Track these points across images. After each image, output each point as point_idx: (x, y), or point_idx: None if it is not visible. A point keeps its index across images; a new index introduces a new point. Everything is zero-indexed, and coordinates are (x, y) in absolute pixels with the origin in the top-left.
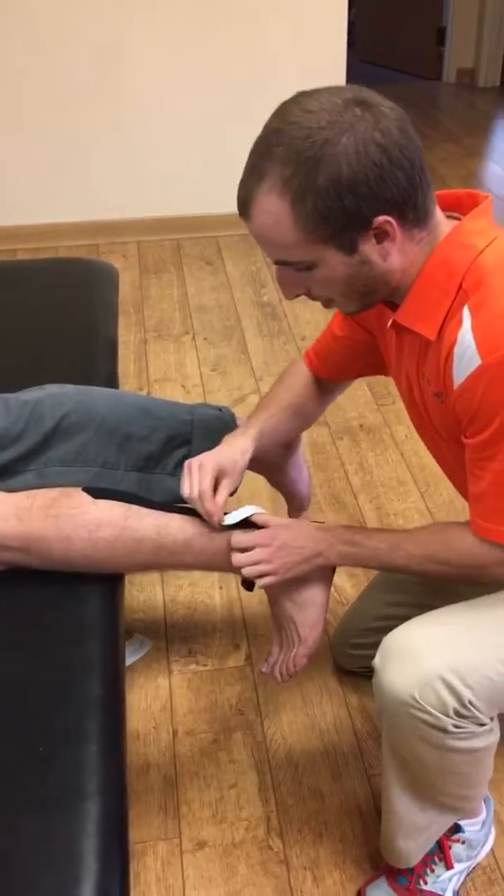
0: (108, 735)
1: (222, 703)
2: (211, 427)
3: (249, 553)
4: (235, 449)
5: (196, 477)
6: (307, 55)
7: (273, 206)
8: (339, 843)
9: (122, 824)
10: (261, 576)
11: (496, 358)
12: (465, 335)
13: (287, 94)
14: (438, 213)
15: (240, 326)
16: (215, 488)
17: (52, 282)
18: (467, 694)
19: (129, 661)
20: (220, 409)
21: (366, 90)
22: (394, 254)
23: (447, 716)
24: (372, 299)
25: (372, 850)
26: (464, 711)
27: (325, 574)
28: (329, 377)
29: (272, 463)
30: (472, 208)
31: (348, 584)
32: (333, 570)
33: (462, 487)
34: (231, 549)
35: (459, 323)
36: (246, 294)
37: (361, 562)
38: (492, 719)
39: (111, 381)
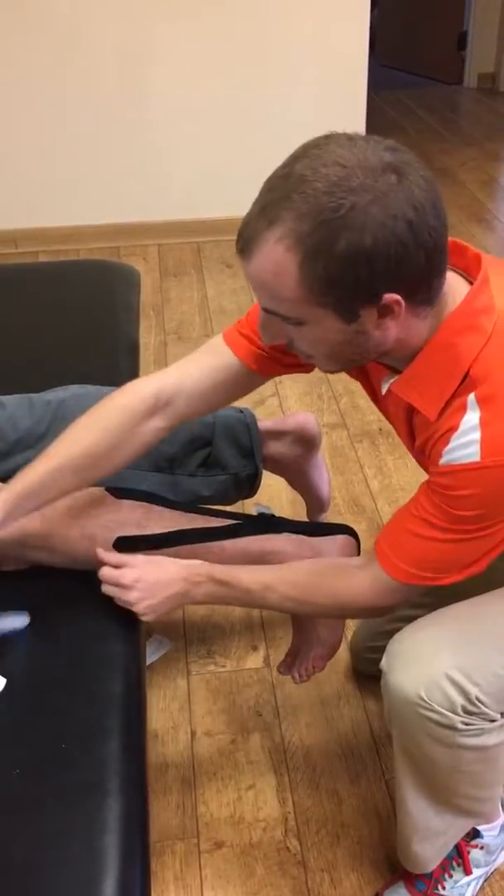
0: (129, 733)
1: (240, 705)
2: (232, 429)
3: (111, 572)
4: None
5: None
6: (329, 59)
7: (279, 258)
8: (357, 846)
9: (143, 821)
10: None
11: (495, 461)
12: (470, 428)
13: (307, 99)
14: (445, 285)
15: None
16: None
17: (75, 284)
18: (474, 691)
19: (148, 660)
20: (241, 411)
21: (404, 151)
22: (392, 329)
23: (455, 713)
24: (356, 364)
25: (390, 853)
26: (472, 708)
27: None
28: (262, 370)
29: (292, 465)
30: (460, 259)
31: None
32: None
33: None
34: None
35: (463, 410)
36: None
37: (231, 601)
38: (502, 715)
39: None
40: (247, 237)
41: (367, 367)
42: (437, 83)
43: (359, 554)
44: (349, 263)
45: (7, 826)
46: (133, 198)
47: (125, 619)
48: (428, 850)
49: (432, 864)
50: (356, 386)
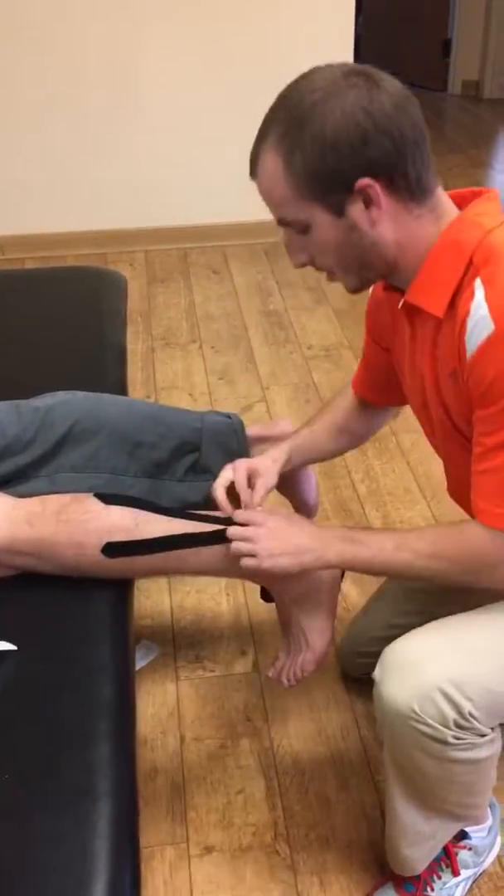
0: (118, 737)
1: (229, 710)
2: (220, 434)
3: (241, 528)
4: (267, 456)
5: (228, 474)
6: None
7: (270, 164)
8: (346, 849)
9: (132, 825)
10: (246, 555)
11: None
12: (479, 304)
13: None
14: (443, 197)
15: (246, 335)
16: (251, 487)
17: (62, 290)
18: (467, 706)
19: (136, 666)
20: (229, 417)
21: (380, 72)
22: (384, 223)
23: (447, 728)
24: (369, 274)
25: (379, 856)
26: (464, 723)
27: (333, 580)
28: (371, 399)
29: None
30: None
31: (355, 592)
32: (342, 577)
33: (452, 485)
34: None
35: (472, 295)
36: (252, 303)
37: (361, 562)
38: (493, 729)
39: (120, 387)
40: (251, 159)
41: (397, 339)
42: (421, 90)
43: None
44: (319, 153)
45: None
46: (120, 204)
47: (113, 624)
48: (417, 854)
49: (421, 866)
50: None
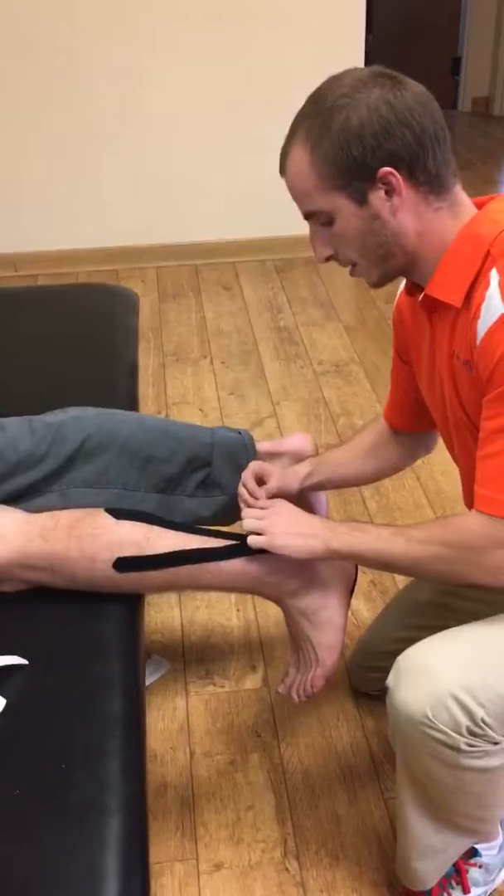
0: (129, 752)
1: (239, 725)
2: (231, 450)
3: (254, 506)
4: (291, 469)
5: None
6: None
7: (298, 156)
8: (356, 867)
9: (143, 840)
10: (258, 532)
11: None
12: (493, 293)
13: None
14: (462, 195)
15: (257, 350)
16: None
17: (74, 307)
18: (480, 712)
19: (147, 682)
20: (239, 433)
21: (402, 76)
22: (404, 213)
23: (460, 734)
24: (391, 265)
25: (388, 874)
26: (477, 730)
27: (342, 596)
28: (398, 424)
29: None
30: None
31: (364, 608)
32: (351, 593)
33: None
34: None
35: (487, 284)
36: (263, 319)
37: (362, 548)
38: None
39: (132, 403)
40: (281, 157)
41: (416, 346)
42: None
43: (356, 577)
44: (343, 142)
45: (9, 845)
46: (131, 221)
47: (124, 639)
48: (427, 868)
49: (431, 882)
50: (354, 406)
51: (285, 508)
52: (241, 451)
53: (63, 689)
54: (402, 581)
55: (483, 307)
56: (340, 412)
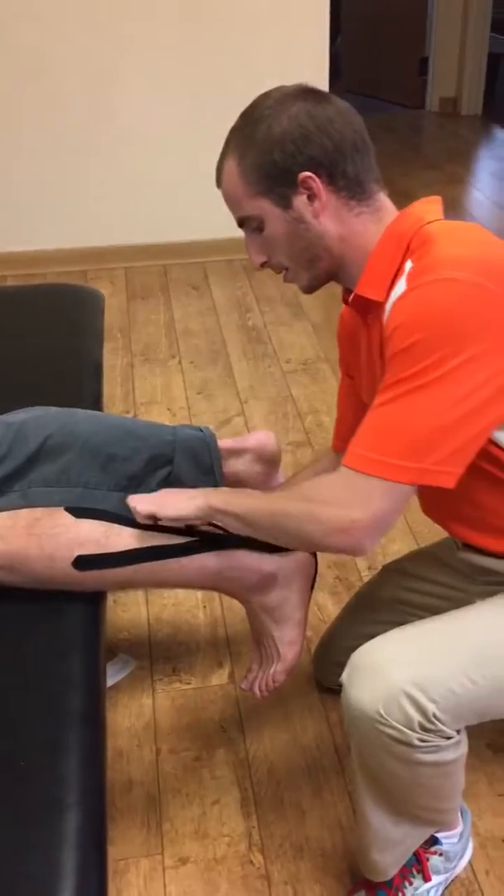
0: (88, 748)
1: (205, 721)
2: (192, 447)
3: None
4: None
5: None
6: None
7: (229, 167)
8: (320, 858)
9: (101, 835)
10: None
11: (415, 284)
12: (404, 278)
13: None
14: (388, 203)
15: (225, 350)
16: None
17: (40, 307)
18: (431, 708)
19: (113, 680)
20: (201, 430)
21: (327, 93)
22: (326, 216)
23: (412, 730)
24: (318, 269)
25: (352, 864)
26: (429, 725)
27: (303, 591)
28: (343, 449)
29: (252, 483)
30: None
31: (330, 603)
32: (311, 588)
33: (434, 509)
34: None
35: (402, 274)
36: (231, 318)
37: (236, 503)
38: (459, 732)
39: (96, 404)
40: (217, 170)
41: (355, 355)
42: (400, 108)
43: (316, 573)
44: (267, 149)
45: None
46: (99, 222)
47: (85, 636)
48: (387, 858)
49: (391, 871)
50: (321, 404)
51: (169, 490)
52: (202, 448)
53: (23, 687)
54: (367, 577)
55: (393, 292)
56: (308, 410)
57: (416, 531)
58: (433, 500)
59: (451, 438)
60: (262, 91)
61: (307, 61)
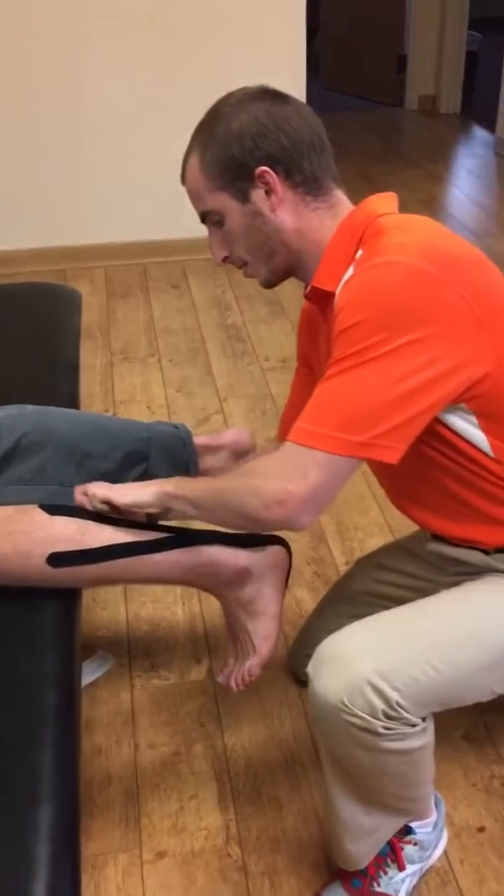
0: (62, 743)
1: (184, 717)
2: (168, 444)
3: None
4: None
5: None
6: (267, 82)
7: (192, 163)
8: (297, 849)
9: (74, 828)
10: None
11: (360, 270)
12: (352, 266)
13: None
14: (344, 199)
15: (204, 348)
16: None
17: (16, 306)
18: (395, 696)
19: (92, 677)
20: (176, 427)
21: (288, 94)
22: (283, 210)
23: (376, 718)
24: (276, 262)
25: (328, 855)
26: (392, 713)
27: (277, 586)
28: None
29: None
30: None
31: (308, 598)
32: (286, 583)
33: (390, 486)
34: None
35: (353, 263)
36: (211, 317)
37: (187, 486)
38: (424, 719)
39: (72, 402)
40: (182, 167)
41: (315, 348)
42: (379, 106)
43: (290, 567)
44: (225, 143)
45: None
46: (78, 221)
47: (60, 633)
48: (360, 848)
49: (365, 861)
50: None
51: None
52: (178, 445)
53: None
54: (344, 571)
55: (342, 280)
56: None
57: (393, 528)
58: (390, 481)
59: (393, 414)
60: (241, 87)
61: (284, 58)
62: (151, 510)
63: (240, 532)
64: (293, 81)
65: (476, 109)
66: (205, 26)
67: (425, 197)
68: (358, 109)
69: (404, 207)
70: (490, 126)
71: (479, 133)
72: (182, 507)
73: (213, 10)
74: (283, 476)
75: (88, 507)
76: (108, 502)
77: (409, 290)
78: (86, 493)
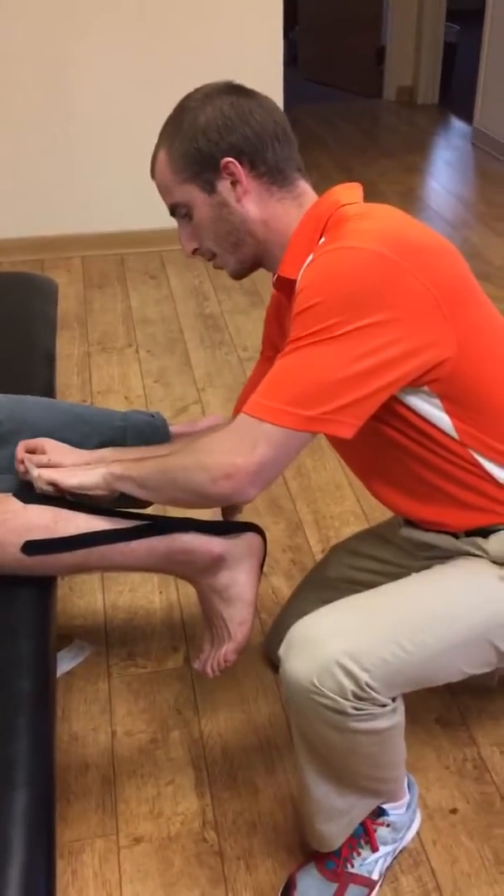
0: (36, 729)
1: (161, 704)
2: (143, 432)
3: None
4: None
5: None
6: (245, 72)
7: (160, 156)
8: (272, 833)
9: (49, 813)
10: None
11: (321, 252)
12: (313, 254)
13: None
14: (309, 190)
15: (182, 338)
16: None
17: None
18: (364, 676)
19: (69, 665)
20: (152, 416)
21: (252, 90)
22: (248, 200)
23: (346, 699)
24: (243, 253)
25: (303, 838)
26: (362, 694)
27: (252, 572)
28: None
29: None
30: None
31: (284, 586)
32: (261, 569)
33: (357, 467)
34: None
35: (315, 250)
36: (189, 307)
37: (135, 467)
38: (394, 700)
39: (48, 392)
40: (151, 161)
41: (282, 315)
42: (357, 96)
43: (265, 554)
44: (192, 136)
45: None
46: (55, 211)
47: (34, 621)
48: (333, 829)
49: (338, 842)
50: None
51: (61, 448)
52: (153, 433)
53: None
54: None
55: (304, 266)
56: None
57: (369, 516)
58: (354, 459)
59: (346, 392)
60: (218, 77)
61: (261, 49)
62: (98, 492)
63: (214, 520)
64: (270, 71)
65: (454, 100)
66: (184, 19)
67: (403, 188)
68: (336, 100)
69: (382, 198)
70: (468, 117)
71: (457, 124)
72: (129, 489)
73: (196, 4)
74: (230, 451)
75: (25, 474)
76: (53, 484)
77: (367, 274)
78: (24, 463)
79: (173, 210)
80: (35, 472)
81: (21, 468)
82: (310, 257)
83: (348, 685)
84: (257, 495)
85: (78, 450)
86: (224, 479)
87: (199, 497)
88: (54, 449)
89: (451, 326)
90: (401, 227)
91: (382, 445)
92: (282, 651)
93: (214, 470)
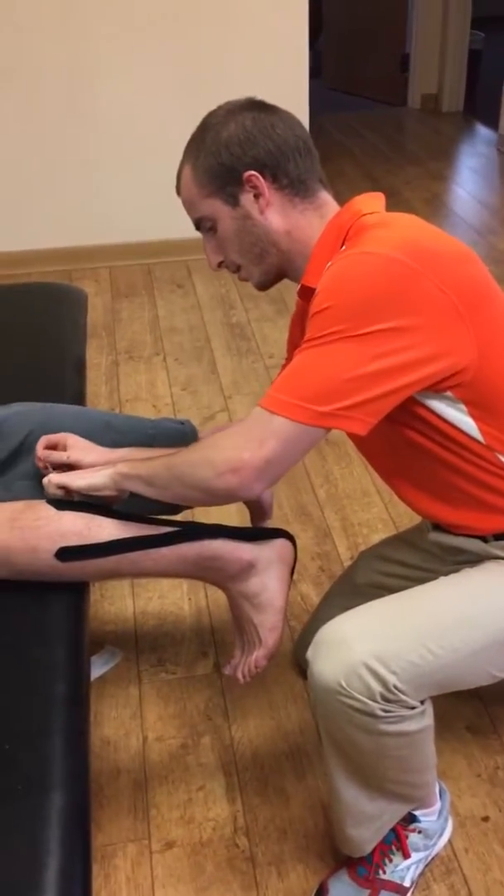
0: (71, 731)
1: (191, 710)
2: (173, 440)
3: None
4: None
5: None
6: (270, 81)
7: (185, 172)
8: (303, 839)
9: (84, 814)
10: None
11: (338, 258)
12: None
13: None
14: (331, 201)
15: (209, 347)
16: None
17: (23, 305)
18: (392, 679)
19: (100, 671)
20: (181, 423)
21: (279, 108)
22: (271, 212)
23: (374, 701)
24: (268, 263)
25: (334, 845)
26: (390, 696)
27: (283, 578)
28: None
29: None
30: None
31: (313, 593)
32: (291, 575)
33: (383, 471)
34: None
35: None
36: (216, 315)
37: (142, 466)
38: (422, 702)
39: (79, 399)
40: (177, 178)
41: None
42: (382, 105)
43: (295, 559)
44: (215, 151)
45: None
46: (83, 221)
47: (68, 625)
48: (363, 834)
49: (369, 847)
50: None
51: (82, 444)
52: (183, 441)
53: (8, 674)
54: (348, 565)
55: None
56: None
57: (397, 523)
58: (377, 460)
59: (361, 389)
60: (243, 89)
61: (286, 60)
62: (107, 493)
63: (245, 527)
64: (295, 81)
65: (479, 107)
66: (209, 31)
67: (428, 195)
68: (361, 109)
69: (407, 206)
70: (493, 124)
71: (482, 131)
72: (137, 488)
73: (218, 13)
74: (238, 445)
75: (46, 469)
76: (63, 487)
77: (382, 278)
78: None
79: (198, 224)
80: (45, 479)
81: (41, 465)
82: (329, 264)
83: (376, 687)
84: (262, 491)
85: (100, 447)
86: (230, 474)
87: (204, 493)
88: (75, 444)
89: (471, 330)
90: (419, 234)
91: (408, 449)
92: (309, 653)
93: (220, 465)
